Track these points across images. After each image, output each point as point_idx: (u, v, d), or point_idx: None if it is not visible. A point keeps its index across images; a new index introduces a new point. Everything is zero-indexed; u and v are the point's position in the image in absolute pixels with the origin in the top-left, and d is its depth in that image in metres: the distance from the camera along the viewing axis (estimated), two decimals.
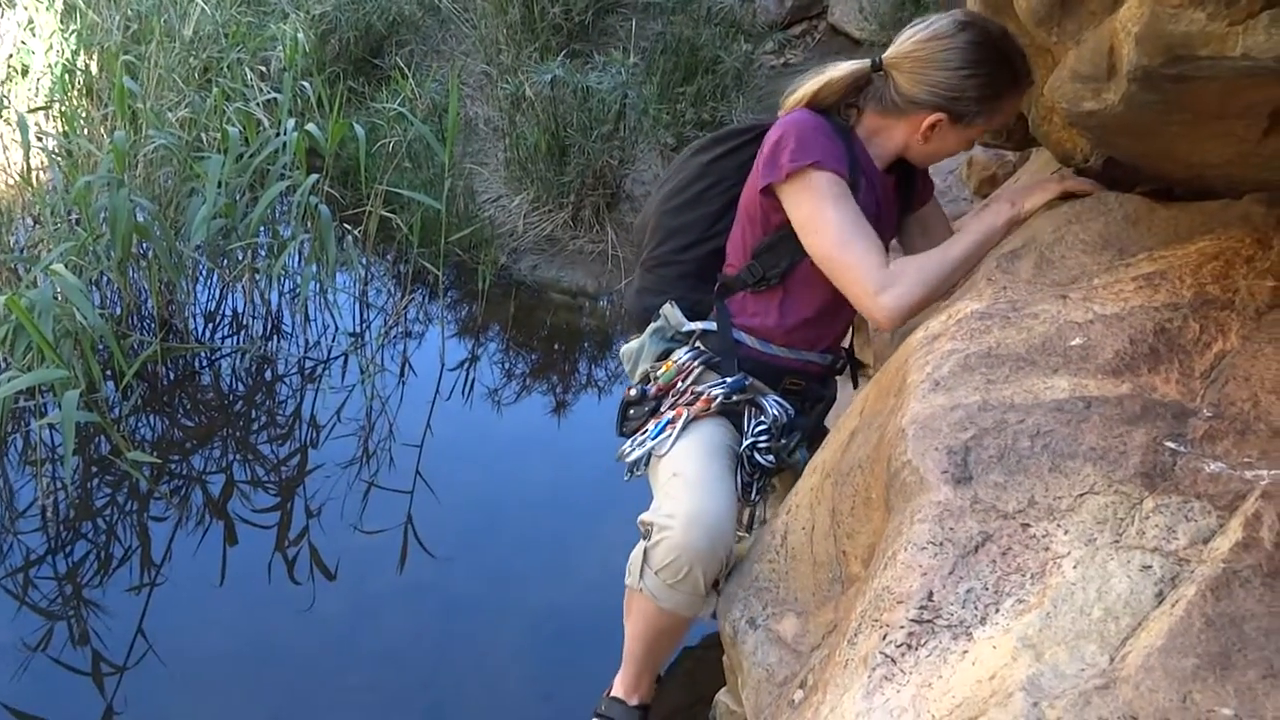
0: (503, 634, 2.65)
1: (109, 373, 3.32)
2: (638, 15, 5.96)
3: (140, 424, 3.31)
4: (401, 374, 3.78)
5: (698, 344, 1.76)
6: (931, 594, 1.05)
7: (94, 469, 3.07)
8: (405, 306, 4.15)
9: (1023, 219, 1.61)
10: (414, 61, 5.72)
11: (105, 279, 3.57)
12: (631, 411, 1.78)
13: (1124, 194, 1.54)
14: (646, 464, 1.76)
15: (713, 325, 1.75)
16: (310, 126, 3.74)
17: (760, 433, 1.71)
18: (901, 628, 1.04)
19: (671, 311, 1.77)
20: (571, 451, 3.54)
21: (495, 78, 5.51)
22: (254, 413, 3.51)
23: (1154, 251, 1.41)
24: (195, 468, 3.16)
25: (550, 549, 2.97)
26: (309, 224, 3.74)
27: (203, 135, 3.98)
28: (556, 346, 4.28)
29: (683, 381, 1.73)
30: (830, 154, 1.55)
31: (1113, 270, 1.39)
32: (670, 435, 1.69)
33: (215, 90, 3.96)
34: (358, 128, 3.87)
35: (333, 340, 3.89)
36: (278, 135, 3.70)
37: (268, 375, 3.69)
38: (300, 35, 4.40)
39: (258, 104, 4.03)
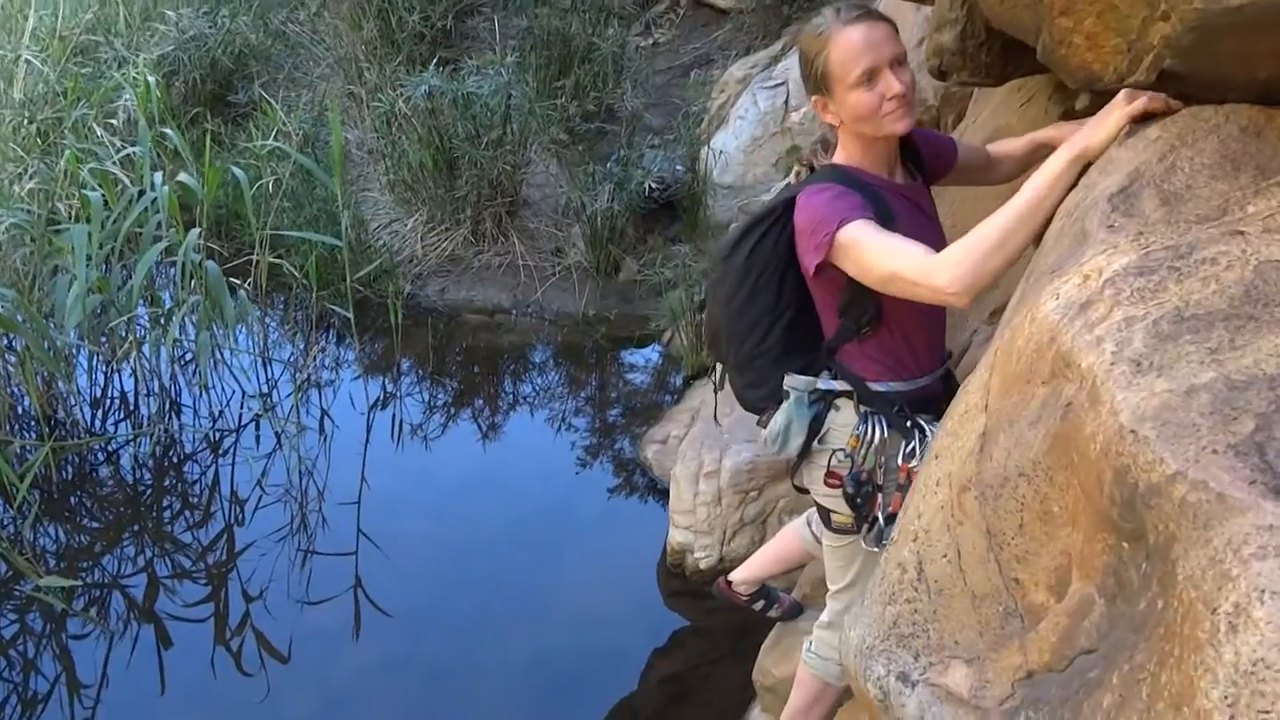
0: (484, 692, 2.46)
1: None
2: (499, 13, 5.74)
3: (40, 534, 2.99)
4: (322, 429, 3.52)
5: (859, 406, 1.83)
6: None
7: None
8: (314, 356, 3.87)
9: (1092, 158, 1.44)
10: (274, 93, 5.39)
11: None
12: (859, 501, 1.84)
13: (1222, 105, 1.29)
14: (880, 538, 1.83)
15: (846, 385, 1.82)
16: (183, 177, 3.44)
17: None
18: None
19: (796, 380, 1.85)
20: (516, 480, 3.35)
21: (363, 98, 5.23)
22: (166, 500, 3.21)
23: None
24: (110, 572, 2.87)
25: (517, 589, 2.78)
26: (193, 284, 3.44)
27: (58, 205, 3.63)
28: (477, 370, 4.07)
29: (881, 454, 1.81)
30: (848, 208, 1.64)
31: (1266, 194, 1.15)
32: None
33: (68, 153, 3.61)
34: (238, 172, 3.58)
35: (241, 406, 3.60)
36: (142, 193, 3.39)
37: (174, 456, 3.38)
38: (151, 80, 4.05)
39: (113, 161, 3.69)
